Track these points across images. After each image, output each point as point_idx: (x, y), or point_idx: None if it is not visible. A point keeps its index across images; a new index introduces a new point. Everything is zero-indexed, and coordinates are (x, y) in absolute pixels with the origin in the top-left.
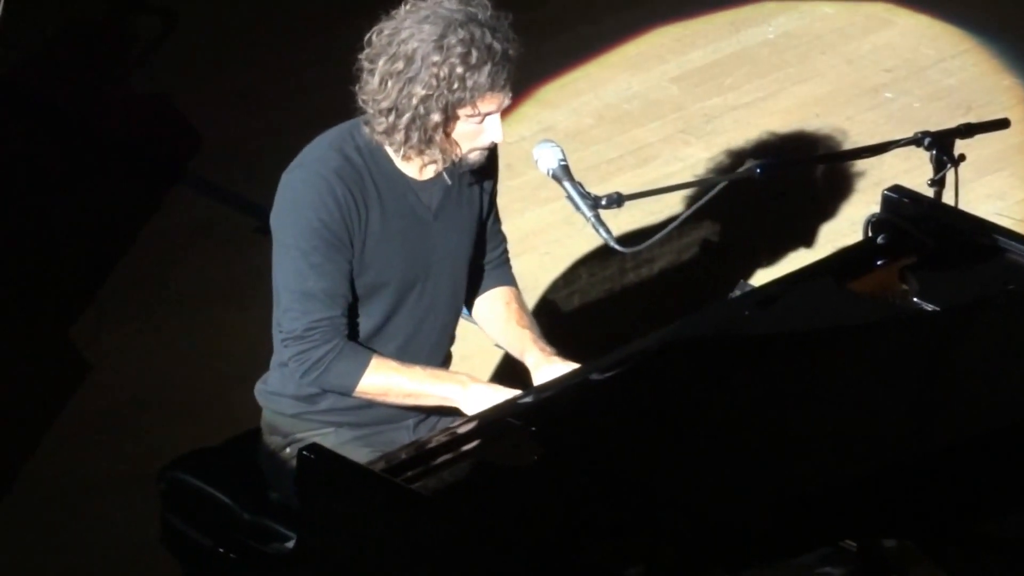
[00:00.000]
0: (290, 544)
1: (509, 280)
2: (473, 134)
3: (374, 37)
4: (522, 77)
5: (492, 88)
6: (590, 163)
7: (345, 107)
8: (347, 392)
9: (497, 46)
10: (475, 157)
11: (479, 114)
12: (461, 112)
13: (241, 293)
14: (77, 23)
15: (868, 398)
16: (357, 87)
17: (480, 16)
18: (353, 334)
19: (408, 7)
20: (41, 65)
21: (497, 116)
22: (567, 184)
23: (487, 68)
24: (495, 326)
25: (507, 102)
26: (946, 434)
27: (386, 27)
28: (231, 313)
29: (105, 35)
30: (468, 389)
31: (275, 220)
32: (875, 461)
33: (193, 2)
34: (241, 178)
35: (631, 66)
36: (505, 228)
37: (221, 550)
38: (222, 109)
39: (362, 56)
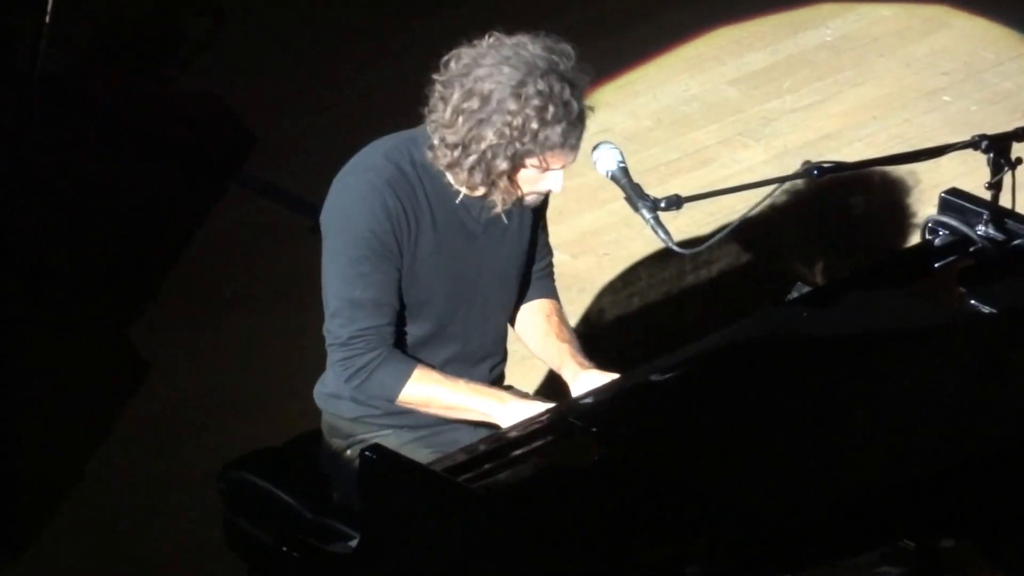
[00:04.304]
0: (352, 543)
1: (551, 293)
2: (534, 180)
3: (452, 63)
4: None
5: (563, 146)
6: (649, 165)
7: (396, 108)
8: (389, 400)
9: (575, 105)
10: (531, 199)
11: (545, 167)
12: (528, 162)
13: (297, 292)
14: (128, 23)
15: (926, 399)
16: (426, 109)
17: (562, 67)
18: (403, 344)
19: (491, 40)
20: (93, 65)
21: (560, 172)
22: (626, 186)
23: (561, 127)
24: (534, 338)
25: (573, 160)
26: (1004, 435)
27: (465, 55)
28: (288, 312)
29: (156, 35)
30: (506, 405)
31: (326, 224)
32: (934, 461)
33: (244, 2)
34: (295, 178)
35: (689, 68)
36: (564, 229)
37: (284, 549)
38: (275, 109)
39: (436, 77)
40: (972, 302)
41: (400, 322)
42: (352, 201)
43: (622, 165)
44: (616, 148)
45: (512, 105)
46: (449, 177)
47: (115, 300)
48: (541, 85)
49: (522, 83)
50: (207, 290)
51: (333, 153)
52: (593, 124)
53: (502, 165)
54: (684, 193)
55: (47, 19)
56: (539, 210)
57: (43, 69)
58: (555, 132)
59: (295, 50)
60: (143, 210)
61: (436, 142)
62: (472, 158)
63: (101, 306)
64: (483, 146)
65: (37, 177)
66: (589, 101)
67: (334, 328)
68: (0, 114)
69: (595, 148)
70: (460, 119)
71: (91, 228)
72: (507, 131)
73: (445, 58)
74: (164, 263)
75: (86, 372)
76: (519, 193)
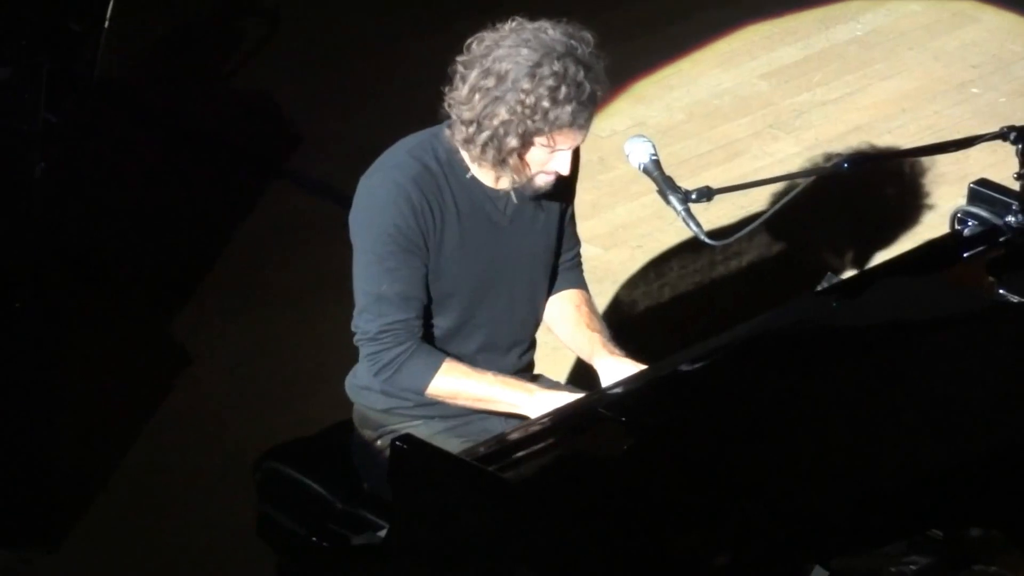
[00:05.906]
0: (383, 533)
1: (580, 283)
2: (543, 160)
3: (473, 44)
4: (616, 73)
5: (571, 125)
6: (681, 158)
7: (439, 107)
8: (418, 393)
9: (587, 86)
10: (540, 182)
11: (553, 146)
12: (537, 140)
13: (339, 286)
14: (184, 24)
15: (955, 389)
16: (447, 88)
17: (579, 51)
18: (430, 336)
19: (514, 24)
20: (149, 65)
21: (568, 152)
22: (658, 178)
23: (571, 106)
24: (564, 328)
25: (581, 141)
26: None
27: (487, 38)
28: (329, 306)
29: (211, 36)
30: (534, 396)
31: (353, 223)
32: (962, 451)
33: (296, 3)
34: (340, 173)
35: (722, 63)
36: (597, 222)
37: (315, 539)
38: (322, 106)
39: (458, 59)
40: (1001, 292)
41: (427, 315)
42: (378, 199)
43: (654, 158)
44: (648, 141)
45: (526, 84)
46: (463, 155)
47: (157, 292)
48: (557, 66)
49: (538, 64)
50: (251, 282)
51: (379, 150)
52: (627, 118)
53: (512, 142)
54: (715, 185)
55: (106, 24)
56: (566, 202)
57: (101, 73)
58: (565, 111)
59: (341, 50)
60: (192, 204)
61: (454, 118)
62: (485, 134)
63: (143, 298)
64: (496, 122)
65: (90, 176)
66: (625, 94)
67: (362, 323)
68: (59, 117)
69: (628, 141)
70: (476, 96)
71: (138, 223)
72: (519, 108)
73: (468, 41)
74: (211, 256)
75: (123, 364)
76: (529, 173)
